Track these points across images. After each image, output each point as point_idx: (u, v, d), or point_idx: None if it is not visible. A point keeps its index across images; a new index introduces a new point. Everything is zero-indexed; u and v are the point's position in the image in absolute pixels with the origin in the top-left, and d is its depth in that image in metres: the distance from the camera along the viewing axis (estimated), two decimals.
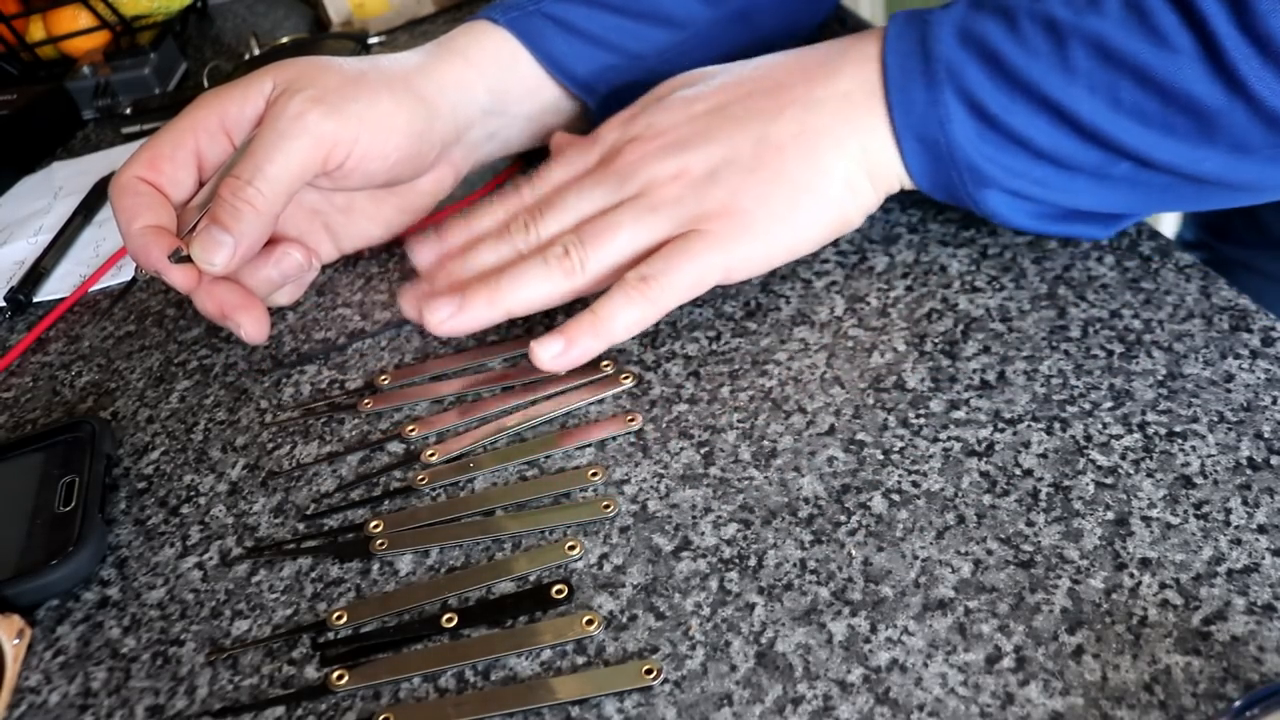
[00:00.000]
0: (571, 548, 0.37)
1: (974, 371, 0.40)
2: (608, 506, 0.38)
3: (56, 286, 0.61)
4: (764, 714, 0.30)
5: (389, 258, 0.55)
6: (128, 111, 0.82)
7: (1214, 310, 0.40)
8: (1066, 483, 0.35)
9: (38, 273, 0.62)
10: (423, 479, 0.41)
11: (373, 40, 0.86)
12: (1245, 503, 0.33)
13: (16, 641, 0.37)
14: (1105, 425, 0.37)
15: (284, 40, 0.87)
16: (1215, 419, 0.36)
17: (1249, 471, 0.34)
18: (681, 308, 0.47)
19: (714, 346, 0.44)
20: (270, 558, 0.39)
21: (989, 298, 0.43)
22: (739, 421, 0.40)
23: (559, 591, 0.35)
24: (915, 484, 0.36)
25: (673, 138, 0.44)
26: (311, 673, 0.35)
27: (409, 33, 0.87)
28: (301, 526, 0.40)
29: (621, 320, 0.42)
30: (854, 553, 0.34)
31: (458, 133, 0.51)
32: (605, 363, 0.44)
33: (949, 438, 0.38)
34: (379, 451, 0.43)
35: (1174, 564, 0.32)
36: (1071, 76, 0.38)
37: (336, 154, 0.46)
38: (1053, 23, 0.38)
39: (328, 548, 0.39)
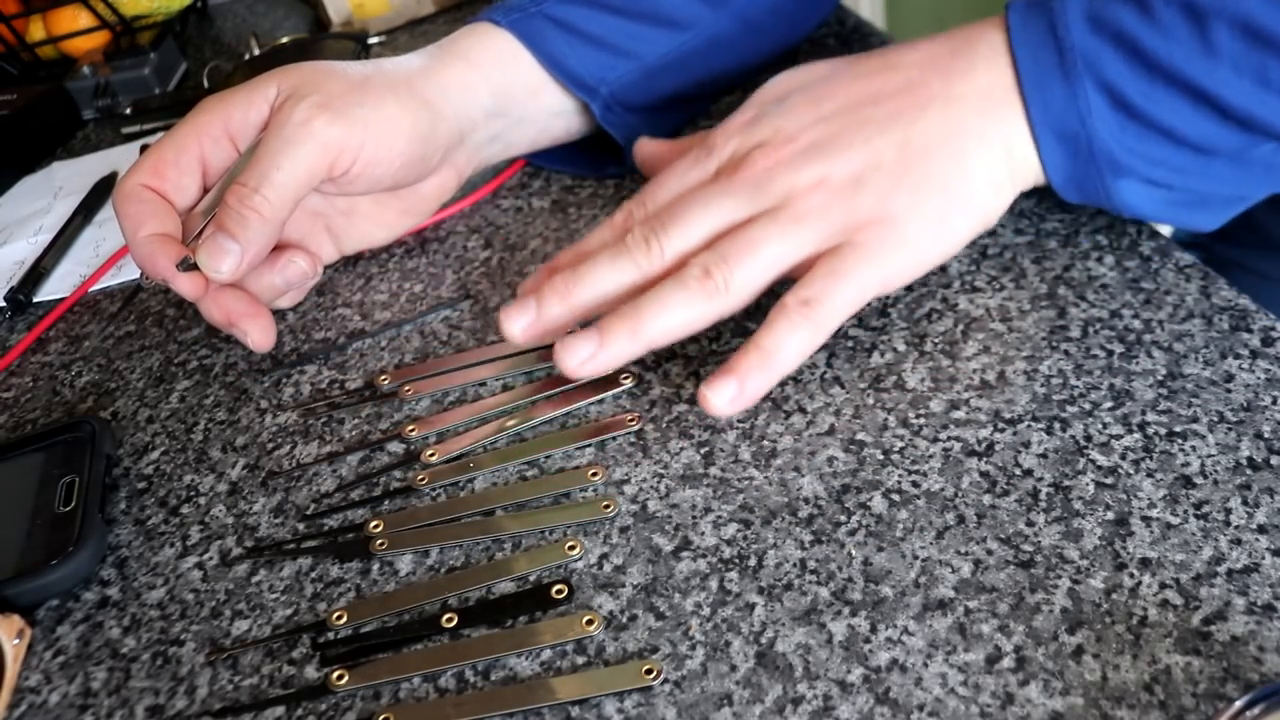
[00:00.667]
0: (571, 548, 0.37)
1: (974, 371, 0.40)
2: (608, 506, 0.38)
3: (56, 286, 0.61)
4: (764, 714, 0.30)
5: (389, 258, 0.56)
6: (128, 111, 0.82)
7: (1214, 310, 0.40)
8: (1066, 483, 0.35)
9: (38, 273, 0.62)
10: (423, 479, 0.41)
11: (373, 40, 0.86)
12: (1245, 503, 0.33)
13: (16, 641, 0.37)
14: (1105, 425, 0.37)
15: (284, 40, 0.87)
16: (1215, 419, 0.36)
17: (1249, 471, 0.34)
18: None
19: (714, 346, 0.44)
20: (270, 558, 0.39)
21: (989, 298, 0.43)
22: (739, 421, 0.40)
23: (559, 591, 0.35)
24: (915, 484, 0.36)
25: (806, 142, 0.41)
26: (311, 673, 0.35)
27: (409, 33, 0.87)
28: (301, 526, 0.40)
29: (789, 349, 0.38)
30: (854, 553, 0.34)
31: (461, 135, 0.51)
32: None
33: (949, 438, 0.38)
34: (379, 451, 0.43)
35: (1174, 564, 0.32)
36: (1216, 59, 0.37)
37: (343, 160, 0.46)
38: (1191, 5, 0.37)
39: (328, 548, 0.39)
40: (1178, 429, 0.36)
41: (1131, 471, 0.35)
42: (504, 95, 0.53)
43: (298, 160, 0.45)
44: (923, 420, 0.39)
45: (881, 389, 0.40)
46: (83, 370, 0.53)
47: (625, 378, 0.43)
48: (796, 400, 0.41)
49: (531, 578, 0.36)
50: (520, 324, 0.40)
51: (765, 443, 0.39)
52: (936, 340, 0.42)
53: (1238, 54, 0.37)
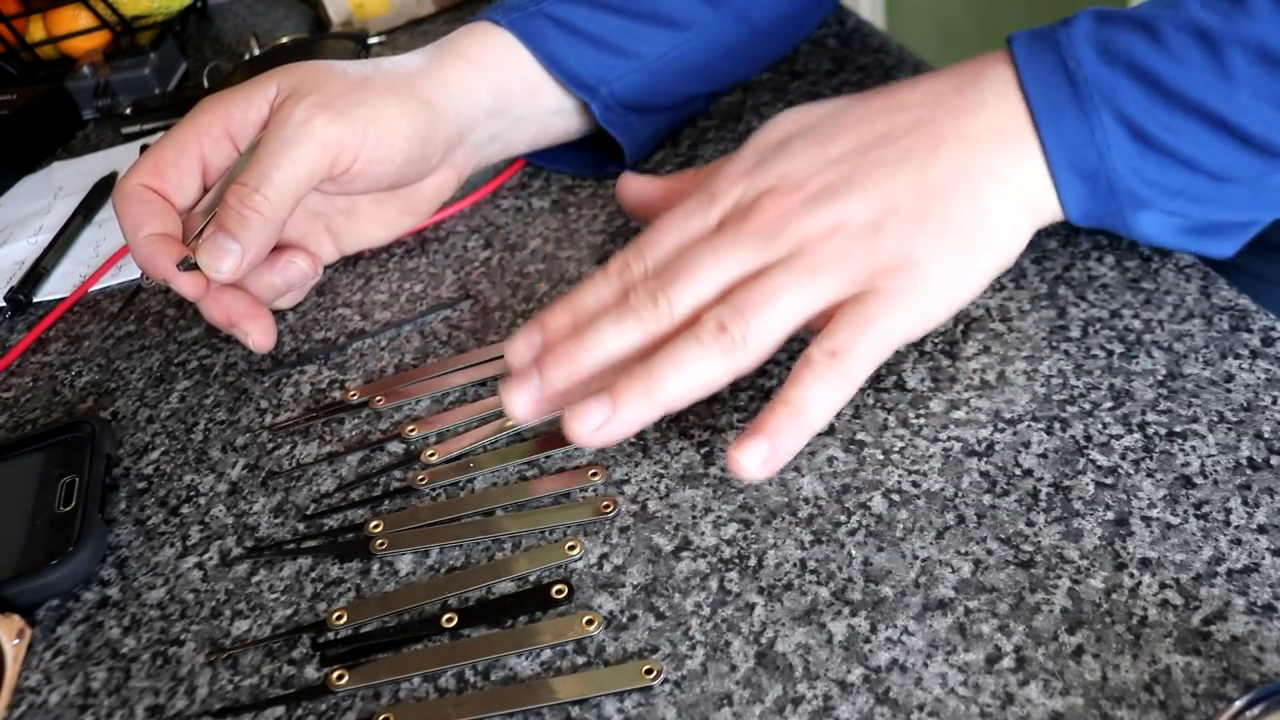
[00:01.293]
0: (571, 548, 0.37)
1: (974, 371, 0.40)
2: (608, 506, 0.38)
3: (56, 286, 0.61)
4: (764, 714, 0.30)
5: (389, 258, 0.56)
6: (128, 111, 0.82)
7: (1214, 310, 0.40)
8: (1066, 483, 0.35)
9: (38, 273, 0.62)
10: (423, 479, 0.41)
11: (373, 40, 0.86)
12: (1245, 503, 0.33)
13: (16, 641, 0.37)
14: (1105, 425, 0.37)
15: (284, 40, 0.87)
16: (1215, 419, 0.36)
17: (1249, 471, 0.34)
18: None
19: None
20: (270, 558, 0.39)
21: (989, 298, 0.43)
22: (739, 421, 0.40)
23: (559, 591, 0.35)
24: (915, 484, 0.36)
25: (817, 187, 0.39)
26: (311, 673, 0.35)
27: (409, 33, 0.87)
28: (301, 526, 0.40)
29: (820, 404, 0.36)
30: (854, 553, 0.34)
31: (460, 135, 0.51)
32: None
33: (949, 438, 0.38)
34: (379, 451, 0.43)
35: (1174, 564, 0.32)
36: (1232, 85, 0.36)
37: (343, 159, 0.46)
38: (1202, 31, 0.36)
39: (328, 548, 0.39)
40: (1178, 429, 0.36)
41: (1131, 471, 0.35)
42: (504, 95, 0.53)
43: (298, 160, 0.45)
44: (923, 420, 0.39)
45: (881, 389, 0.40)
46: (83, 370, 0.53)
47: None
48: None
49: (531, 578, 0.36)
50: (524, 399, 0.38)
51: None
52: (936, 340, 0.42)
53: (1254, 79, 0.36)
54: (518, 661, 0.34)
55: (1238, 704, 0.27)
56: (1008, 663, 0.30)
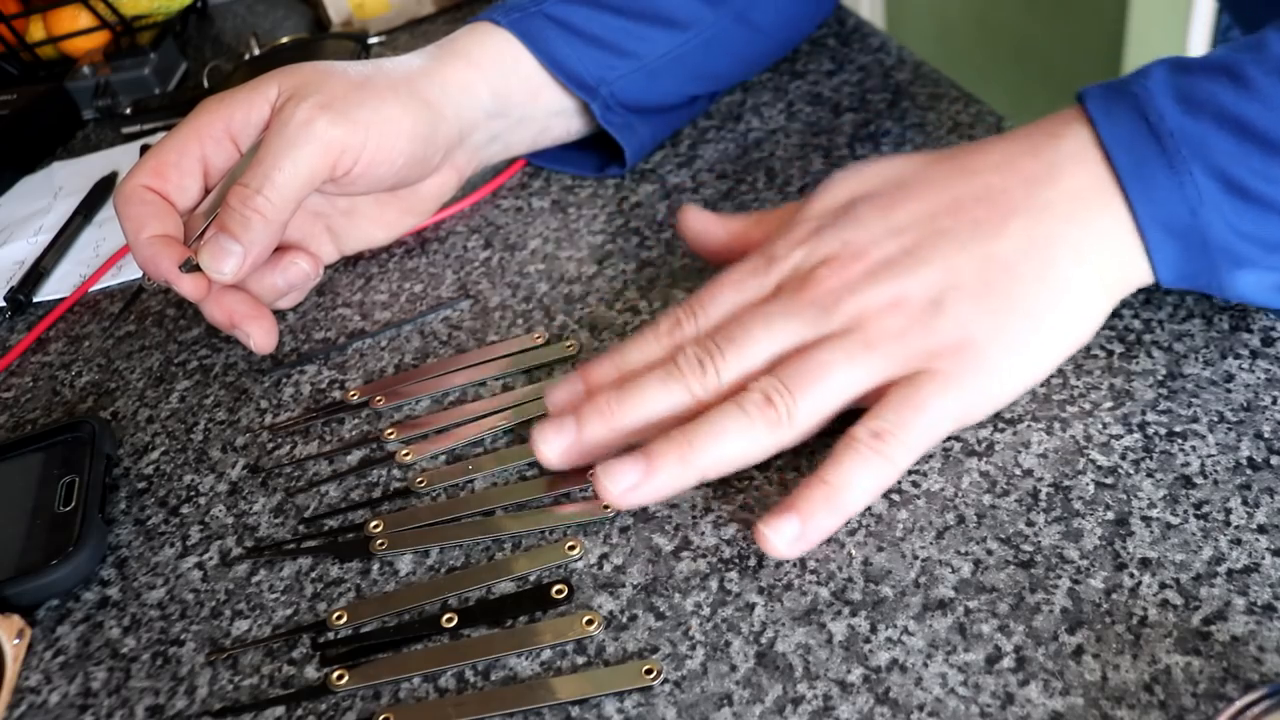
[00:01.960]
0: (571, 548, 0.37)
1: None
2: (607, 506, 0.38)
3: (56, 286, 0.61)
4: (764, 714, 0.30)
5: (389, 258, 0.56)
6: (128, 111, 0.82)
7: (1214, 310, 0.40)
8: (1066, 483, 0.35)
9: (38, 273, 0.62)
10: (421, 480, 0.41)
11: (373, 40, 0.86)
12: (1245, 503, 0.33)
13: (16, 641, 0.37)
14: (1105, 425, 0.37)
15: (284, 40, 0.87)
16: (1215, 419, 0.36)
17: (1249, 471, 0.34)
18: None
19: None
20: (270, 558, 0.39)
21: None
22: None
23: (559, 591, 0.35)
24: (915, 484, 0.36)
25: (878, 258, 0.37)
26: (311, 673, 0.35)
27: (409, 33, 0.87)
28: (301, 526, 0.40)
29: (859, 487, 0.34)
30: (854, 553, 0.34)
31: (461, 135, 0.51)
32: None
33: (949, 437, 0.38)
34: (379, 451, 0.43)
35: (1174, 564, 0.32)
36: None
37: (344, 161, 0.46)
38: None
39: (328, 548, 0.39)
40: (1178, 429, 0.36)
41: (1131, 471, 0.35)
42: (504, 95, 0.53)
43: (300, 161, 0.45)
44: None
45: None
46: (83, 370, 0.53)
47: None
48: None
49: (531, 578, 0.36)
50: (557, 446, 0.37)
51: None
52: None
53: None
54: (518, 661, 0.34)
55: (1238, 704, 0.27)
56: (1008, 663, 0.30)
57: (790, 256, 0.39)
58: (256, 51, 0.85)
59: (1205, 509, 0.33)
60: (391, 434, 0.43)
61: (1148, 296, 0.41)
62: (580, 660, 0.33)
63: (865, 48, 0.64)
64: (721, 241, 0.45)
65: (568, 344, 0.46)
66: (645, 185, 0.56)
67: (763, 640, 0.32)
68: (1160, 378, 0.38)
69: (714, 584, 0.34)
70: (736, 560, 0.35)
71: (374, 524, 0.39)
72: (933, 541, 0.34)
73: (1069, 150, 0.37)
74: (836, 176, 0.41)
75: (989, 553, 0.33)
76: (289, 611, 0.37)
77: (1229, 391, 0.37)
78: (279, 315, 0.53)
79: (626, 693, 0.32)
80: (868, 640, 0.32)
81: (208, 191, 0.48)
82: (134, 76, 0.84)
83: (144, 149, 0.74)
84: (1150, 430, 0.36)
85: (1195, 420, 0.36)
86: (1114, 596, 0.31)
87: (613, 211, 0.55)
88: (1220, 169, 0.34)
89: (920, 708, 0.30)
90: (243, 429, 0.46)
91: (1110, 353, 0.40)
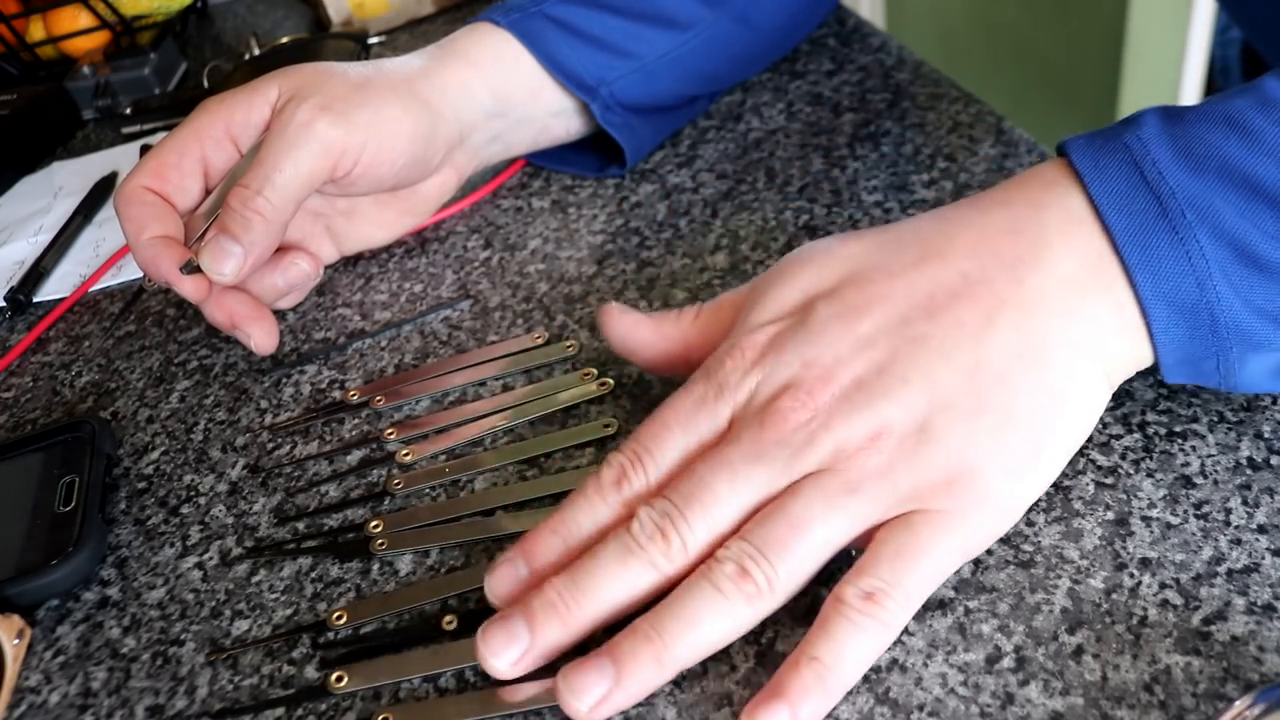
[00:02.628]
0: None
1: None
2: None
3: (56, 286, 0.61)
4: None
5: (389, 258, 0.56)
6: (128, 111, 0.82)
7: None
8: (1066, 483, 0.35)
9: (38, 273, 0.62)
10: (421, 480, 0.41)
11: (373, 40, 0.86)
12: (1245, 503, 0.33)
13: (16, 641, 0.37)
14: (1105, 425, 0.37)
15: (284, 40, 0.87)
16: (1215, 419, 0.36)
17: (1249, 471, 0.34)
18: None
19: None
20: (270, 558, 0.39)
21: None
22: None
23: None
24: None
25: (847, 381, 0.32)
26: (311, 673, 0.35)
27: (409, 33, 0.87)
28: (301, 526, 0.40)
29: (852, 659, 0.29)
30: (854, 553, 0.34)
31: (461, 136, 0.52)
32: (586, 372, 0.44)
33: None
34: (379, 451, 0.43)
35: (1174, 564, 0.32)
36: None
37: (344, 162, 0.46)
38: None
39: (328, 548, 0.39)
40: (1178, 429, 0.36)
41: (1131, 471, 0.35)
42: (504, 96, 0.53)
43: (300, 162, 0.45)
44: None
45: None
46: (83, 370, 0.53)
47: (602, 384, 0.43)
48: None
49: None
50: (508, 658, 0.31)
51: None
52: None
53: None
54: None
55: (1238, 704, 0.27)
56: (1008, 663, 0.30)
57: (744, 385, 0.33)
58: (256, 51, 0.85)
59: (1205, 509, 0.33)
60: (391, 434, 0.43)
61: None
62: None
63: (865, 48, 0.64)
64: (656, 349, 0.39)
65: (568, 344, 0.46)
66: (645, 185, 0.56)
67: (763, 640, 0.32)
68: (1160, 377, 0.38)
69: None
70: None
71: (374, 524, 0.39)
72: None
73: (1055, 222, 0.33)
74: (784, 267, 0.36)
75: (989, 553, 0.33)
76: (289, 611, 0.37)
77: (1229, 391, 0.37)
78: (279, 315, 0.53)
79: None
80: None
81: (208, 192, 0.48)
82: (134, 76, 0.84)
83: (144, 149, 0.74)
84: (1150, 430, 0.36)
85: (1195, 420, 0.36)
86: (1114, 596, 0.31)
87: (613, 211, 0.55)
88: (1229, 233, 0.30)
89: (920, 708, 0.30)
90: (243, 429, 0.46)
91: None
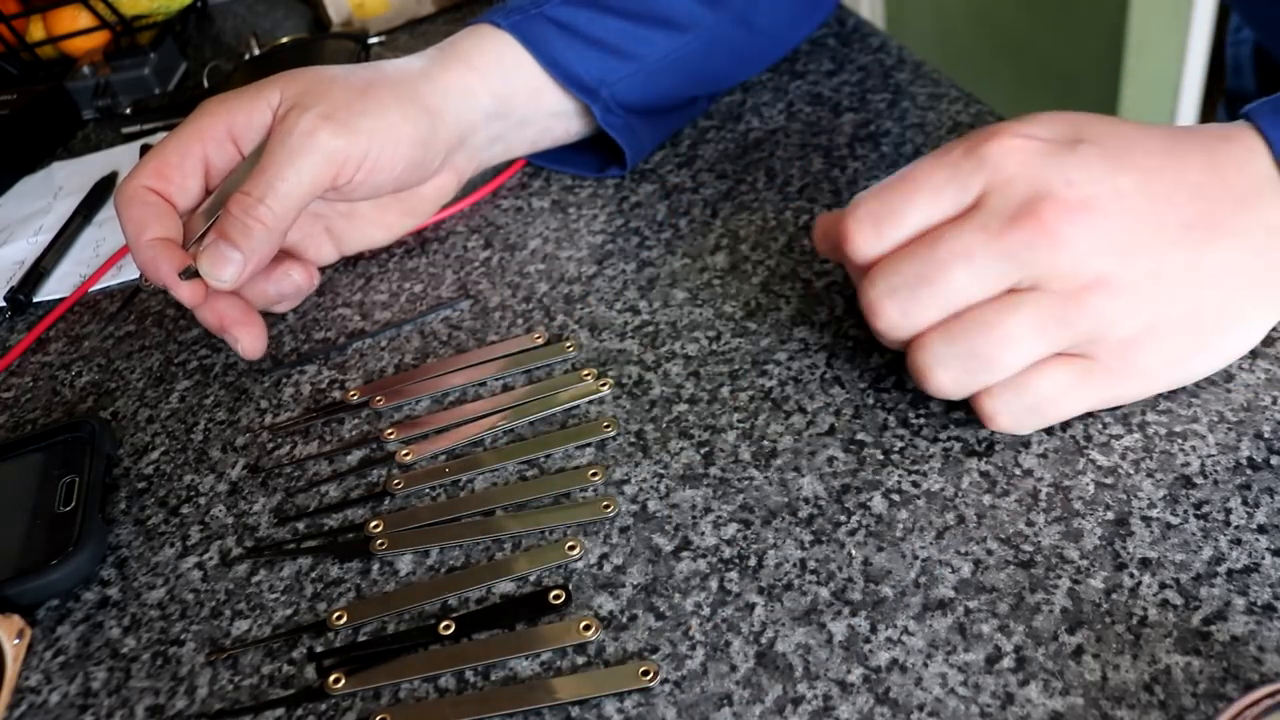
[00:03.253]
0: (571, 548, 0.37)
1: None
2: (608, 506, 0.38)
3: (56, 286, 0.61)
4: (764, 714, 0.30)
5: (389, 258, 0.56)
6: (128, 111, 0.82)
7: None
8: (1066, 483, 0.35)
9: (38, 273, 0.62)
10: (421, 479, 0.41)
11: (373, 40, 0.86)
12: (1245, 503, 0.33)
13: (16, 641, 0.37)
14: (1105, 425, 0.37)
15: (284, 40, 0.87)
16: (1215, 419, 0.36)
17: (1249, 471, 0.34)
18: (681, 307, 0.47)
19: (714, 346, 0.44)
20: (270, 558, 0.39)
21: None
22: (739, 421, 0.40)
23: (556, 597, 0.35)
24: (915, 484, 0.36)
25: (1098, 220, 0.34)
26: (311, 673, 0.35)
27: (409, 33, 0.87)
28: (301, 526, 0.40)
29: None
30: (854, 553, 0.34)
31: (461, 138, 0.51)
32: (587, 372, 0.44)
33: (949, 438, 0.38)
34: (379, 451, 0.43)
35: (1174, 564, 0.32)
36: None
37: (346, 170, 0.46)
38: None
39: (328, 548, 0.39)
40: (1178, 429, 0.36)
41: (1131, 471, 0.35)
42: (504, 98, 0.53)
43: (303, 171, 0.45)
44: (923, 420, 0.39)
45: (881, 389, 0.40)
46: (83, 370, 0.53)
47: (603, 384, 0.43)
48: (796, 400, 0.41)
49: (531, 578, 0.36)
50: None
51: (765, 443, 0.39)
52: None
53: None
54: (517, 662, 0.34)
55: (1238, 704, 0.27)
56: (1008, 663, 0.30)
57: (1003, 168, 0.34)
58: (256, 51, 0.85)
59: (1205, 509, 0.33)
60: (391, 434, 0.43)
61: None
62: (580, 660, 0.33)
63: (865, 48, 0.64)
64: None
65: (568, 344, 0.46)
66: (645, 185, 0.56)
67: (763, 640, 0.32)
68: None
69: (714, 584, 0.34)
70: (736, 560, 0.35)
71: (374, 524, 0.39)
72: (933, 541, 0.34)
73: (1264, 173, 0.35)
74: (1049, 114, 0.37)
75: (989, 553, 0.33)
76: (289, 611, 0.37)
77: (1229, 391, 0.37)
78: (279, 316, 0.53)
79: (626, 693, 0.32)
80: (868, 640, 0.32)
81: (208, 192, 0.48)
82: (134, 76, 0.84)
83: (144, 149, 0.74)
84: (1150, 430, 0.36)
85: (1195, 420, 0.36)
86: (1114, 596, 0.31)
87: (613, 211, 0.55)
88: None
89: (920, 708, 0.30)
90: (243, 429, 0.46)
91: None
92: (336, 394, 0.47)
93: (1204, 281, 0.34)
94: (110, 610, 0.39)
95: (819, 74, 0.63)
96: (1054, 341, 0.34)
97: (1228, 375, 0.38)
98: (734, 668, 0.32)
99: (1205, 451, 0.35)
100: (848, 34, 0.66)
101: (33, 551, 0.40)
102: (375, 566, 0.38)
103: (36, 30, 0.91)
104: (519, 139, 0.55)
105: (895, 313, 0.35)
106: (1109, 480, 0.35)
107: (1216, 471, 0.34)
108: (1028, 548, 0.33)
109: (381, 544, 0.38)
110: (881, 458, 0.37)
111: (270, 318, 0.52)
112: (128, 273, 0.60)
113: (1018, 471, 0.36)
